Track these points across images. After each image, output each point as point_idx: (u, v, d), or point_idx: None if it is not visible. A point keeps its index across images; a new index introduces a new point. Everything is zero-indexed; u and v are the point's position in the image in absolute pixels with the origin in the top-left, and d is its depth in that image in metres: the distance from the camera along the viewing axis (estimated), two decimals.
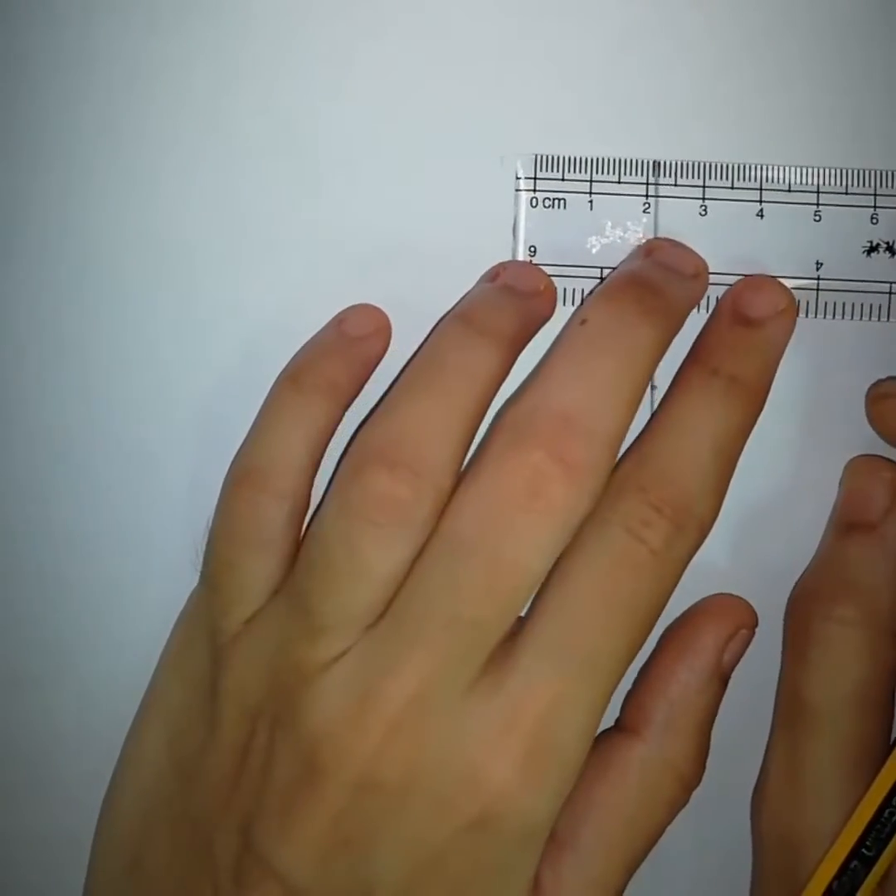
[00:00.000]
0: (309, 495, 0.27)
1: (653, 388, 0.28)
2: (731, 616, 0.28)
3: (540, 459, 0.25)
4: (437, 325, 0.28)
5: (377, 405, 0.27)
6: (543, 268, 0.29)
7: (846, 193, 0.28)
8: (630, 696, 0.27)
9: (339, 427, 0.28)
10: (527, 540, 0.25)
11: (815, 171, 0.28)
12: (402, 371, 0.28)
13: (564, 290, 0.29)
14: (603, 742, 0.27)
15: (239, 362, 0.29)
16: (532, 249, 0.29)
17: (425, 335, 0.28)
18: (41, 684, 0.29)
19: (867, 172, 0.28)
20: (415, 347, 0.28)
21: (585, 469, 0.25)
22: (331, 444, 0.28)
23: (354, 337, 0.28)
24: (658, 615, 0.26)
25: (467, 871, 0.25)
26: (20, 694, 0.29)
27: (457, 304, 0.28)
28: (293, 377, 0.28)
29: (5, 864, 0.30)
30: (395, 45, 0.29)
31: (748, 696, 0.28)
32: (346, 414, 0.28)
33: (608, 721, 0.27)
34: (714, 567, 0.28)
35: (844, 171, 0.28)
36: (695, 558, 0.26)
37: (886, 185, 0.28)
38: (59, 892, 0.28)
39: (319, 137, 0.29)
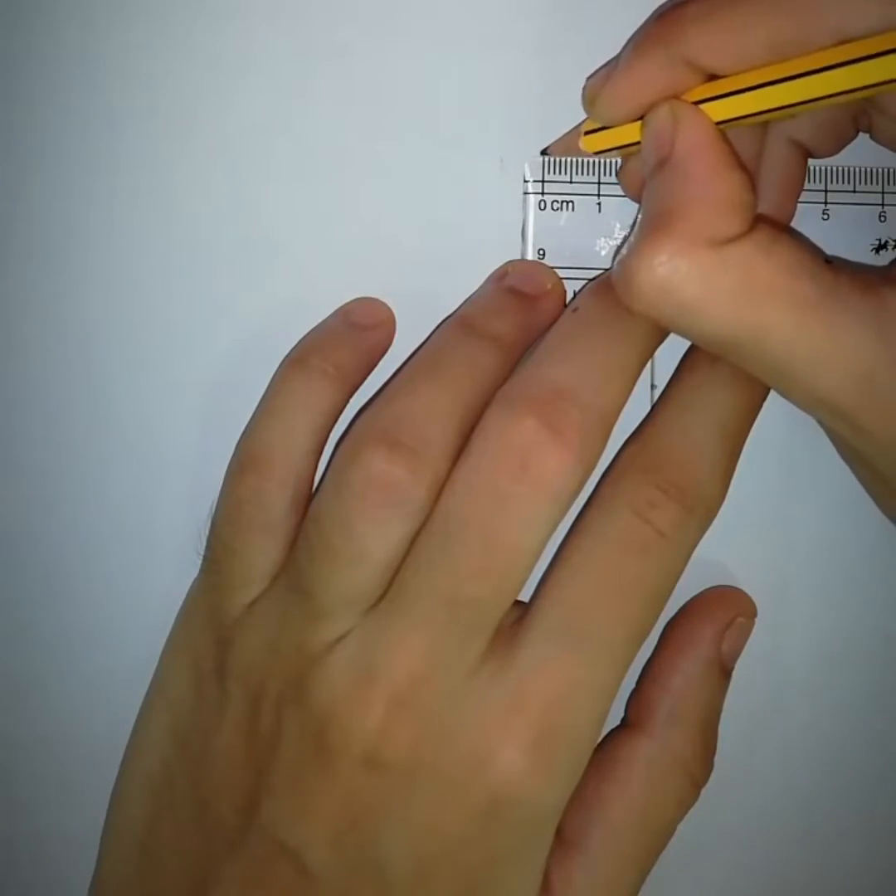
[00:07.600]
0: (312, 480, 0.27)
1: (653, 387, 0.28)
2: (729, 606, 0.28)
3: (531, 427, 0.24)
4: (439, 326, 0.28)
5: (375, 397, 0.27)
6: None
7: (854, 191, 0.28)
8: (633, 694, 0.27)
9: (342, 417, 0.28)
10: (520, 515, 0.24)
11: (823, 168, 0.28)
12: (401, 367, 0.28)
13: (574, 292, 0.29)
14: (609, 741, 0.27)
15: (243, 352, 0.29)
16: (541, 252, 0.29)
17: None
18: (45, 678, 0.30)
19: (875, 170, 0.28)
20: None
21: (578, 438, 0.24)
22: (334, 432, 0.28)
23: (361, 325, 0.28)
24: (666, 598, 0.25)
25: (477, 858, 0.25)
26: (25, 688, 0.30)
27: (461, 305, 0.28)
28: (300, 360, 0.28)
29: (13, 862, 0.30)
30: (398, 46, 0.29)
31: (747, 694, 0.28)
32: (348, 408, 0.28)
33: (613, 722, 0.27)
34: (712, 562, 0.28)
35: (852, 169, 0.28)
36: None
37: (894, 183, 0.28)
38: (67, 890, 0.28)
39: (326, 136, 0.29)
